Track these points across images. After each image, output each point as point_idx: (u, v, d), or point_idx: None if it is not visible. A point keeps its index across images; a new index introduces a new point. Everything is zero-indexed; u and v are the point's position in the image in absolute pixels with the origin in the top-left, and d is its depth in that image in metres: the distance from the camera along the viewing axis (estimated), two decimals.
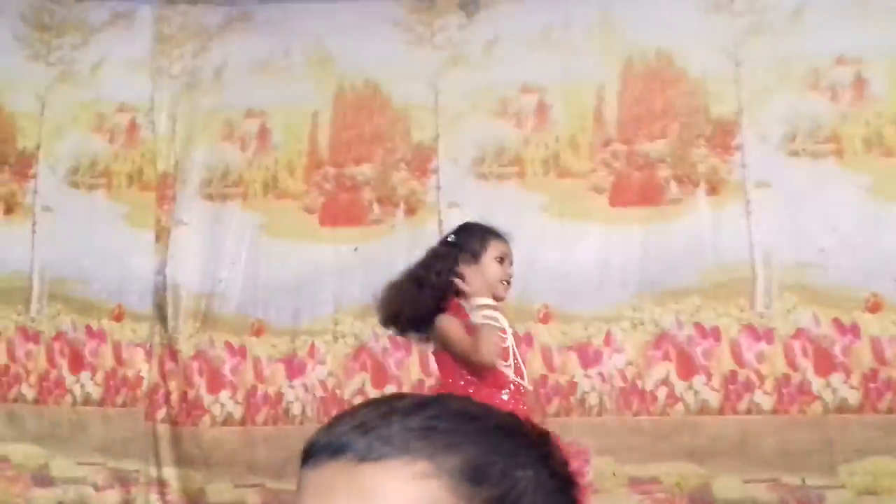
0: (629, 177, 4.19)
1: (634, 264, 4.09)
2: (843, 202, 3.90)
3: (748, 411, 3.89)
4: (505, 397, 2.81)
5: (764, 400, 3.89)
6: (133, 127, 4.82)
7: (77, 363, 4.64)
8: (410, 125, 4.47)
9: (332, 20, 4.61)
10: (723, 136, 4.09)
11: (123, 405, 4.58)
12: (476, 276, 2.87)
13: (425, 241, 4.12)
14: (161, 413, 4.50)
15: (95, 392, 4.61)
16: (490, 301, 2.84)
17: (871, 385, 3.78)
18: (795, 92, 4.02)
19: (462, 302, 2.88)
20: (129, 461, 4.50)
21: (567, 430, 3.85)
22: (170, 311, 4.56)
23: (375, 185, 4.48)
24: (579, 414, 4.04)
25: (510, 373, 2.84)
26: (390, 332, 3.02)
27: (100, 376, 4.62)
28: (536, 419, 2.96)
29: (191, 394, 4.48)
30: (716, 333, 3.98)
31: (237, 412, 4.45)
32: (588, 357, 4.09)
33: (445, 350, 2.81)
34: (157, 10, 4.84)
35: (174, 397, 4.50)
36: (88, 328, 4.66)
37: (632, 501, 3.93)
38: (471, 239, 2.95)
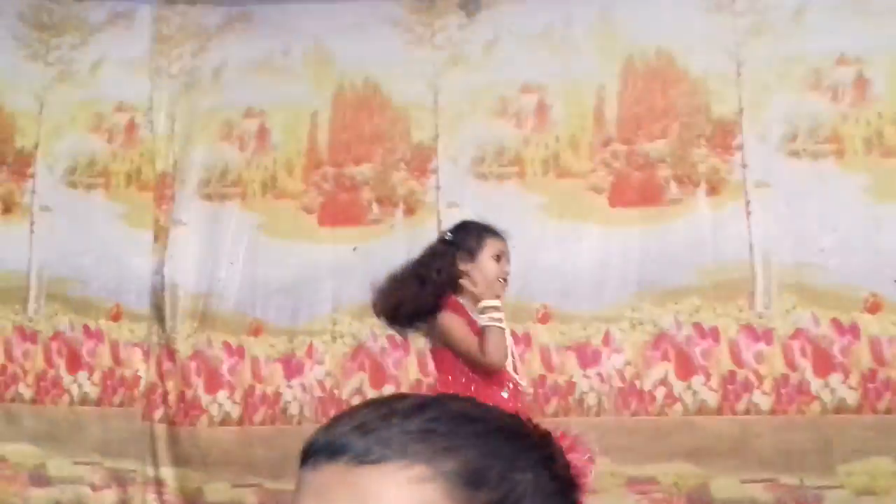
0: (629, 177, 4.19)
1: (634, 264, 4.09)
2: (844, 202, 3.90)
3: (747, 411, 3.89)
4: (505, 395, 2.82)
5: (762, 400, 3.88)
6: (132, 126, 4.81)
7: (75, 363, 4.63)
8: (410, 125, 4.47)
9: (331, 20, 4.60)
10: (723, 136, 4.09)
11: (121, 405, 4.57)
12: (483, 278, 2.88)
13: (424, 241, 4.08)
14: (158, 413, 4.49)
15: (93, 392, 4.60)
16: (497, 303, 2.85)
17: (870, 385, 3.77)
18: (796, 92, 4.02)
19: (462, 299, 2.88)
20: (126, 461, 4.50)
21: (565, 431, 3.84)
22: (168, 311, 4.56)
23: (375, 185, 4.48)
24: (578, 414, 4.04)
25: (511, 371, 2.85)
26: (385, 323, 3.00)
27: (97, 376, 4.61)
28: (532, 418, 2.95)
29: (188, 394, 4.47)
30: (715, 333, 3.97)
31: (235, 412, 4.44)
32: (587, 357, 4.08)
33: (447, 347, 2.81)
34: (156, 10, 4.84)
35: (172, 397, 4.49)
36: (86, 328, 4.65)
37: (630, 501, 3.93)
38: (468, 237, 2.96)
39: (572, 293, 4.12)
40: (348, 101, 4.58)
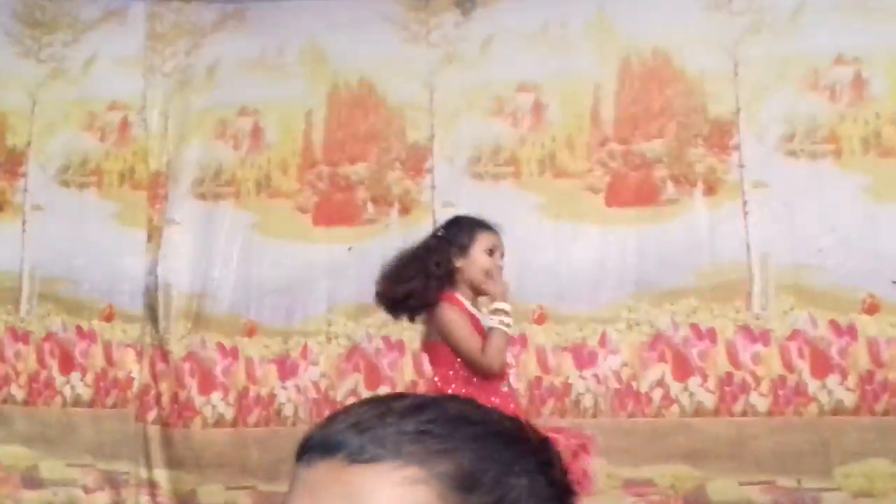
0: (626, 177, 4.18)
1: (630, 265, 4.08)
2: (841, 202, 3.90)
3: (744, 413, 3.88)
4: (505, 388, 2.83)
5: (760, 402, 3.88)
6: (125, 125, 4.79)
7: (67, 364, 4.61)
8: (405, 124, 4.45)
9: (326, 18, 4.58)
10: (720, 135, 4.08)
11: (114, 406, 4.55)
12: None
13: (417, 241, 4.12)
14: (152, 414, 4.47)
15: (86, 393, 4.58)
16: (508, 307, 2.84)
17: (868, 387, 3.77)
18: (794, 91, 4.01)
19: (460, 295, 2.88)
20: (119, 463, 4.48)
21: None
22: (161, 312, 4.54)
23: (370, 185, 4.46)
24: (574, 415, 4.02)
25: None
26: (386, 311, 3.01)
27: (90, 377, 4.59)
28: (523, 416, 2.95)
29: (182, 395, 4.45)
30: (711, 335, 3.97)
31: (229, 413, 4.42)
32: (583, 358, 4.08)
33: (444, 342, 2.81)
34: (150, 8, 4.81)
35: (165, 398, 4.47)
36: (79, 328, 4.63)
37: (627, 503, 3.91)
38: (460, 232, 2.96)
39: (568, 294, 4.11)
40: (343, 100, 4.56)
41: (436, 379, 2.87)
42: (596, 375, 4.05)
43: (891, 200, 3.85)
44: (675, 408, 3.95)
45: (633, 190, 4.17)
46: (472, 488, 0.67)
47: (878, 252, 3.81)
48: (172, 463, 4.41)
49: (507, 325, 2.83)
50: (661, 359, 3.99)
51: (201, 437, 4.41)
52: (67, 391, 4.59)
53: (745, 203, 4.00)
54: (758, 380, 3.89)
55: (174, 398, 4.46)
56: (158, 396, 4.48)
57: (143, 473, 4.43)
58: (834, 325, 3.84)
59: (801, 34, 4.02)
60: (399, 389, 4.14)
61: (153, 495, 4.40)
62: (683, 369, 3.97)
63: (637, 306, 4.04)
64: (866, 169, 3.91)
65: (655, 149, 4.16)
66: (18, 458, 4.57)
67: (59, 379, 4.61)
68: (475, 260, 2.91)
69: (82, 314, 4.64)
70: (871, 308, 3.81)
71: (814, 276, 3.87)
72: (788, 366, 3.87)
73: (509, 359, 2.94)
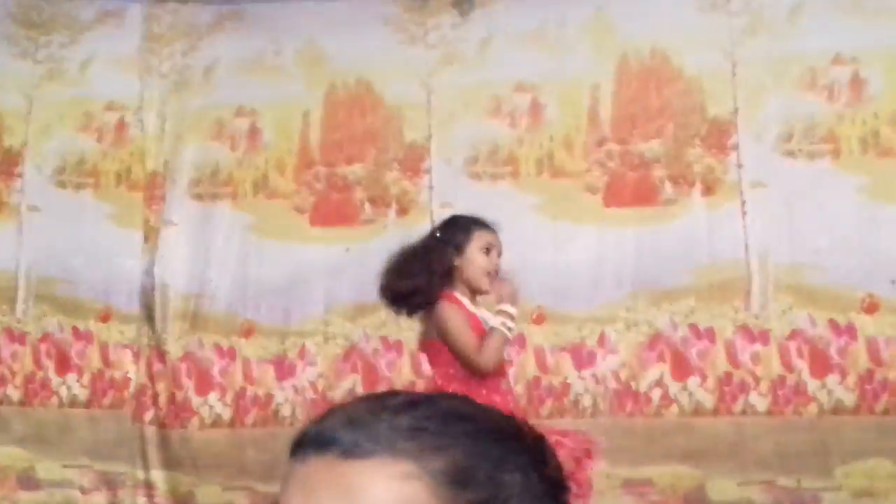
0: (624, 177, 4.18)
1: (629, 265, 4.08)
2: (840, 202, 3.90)
3: (743, 412, 3.89)
4: (505, 386, 2.84)
5: (759, 401, 3.88)
6: (121, 126, 4.78)
7: (64, 364, 4.60)
8: (403, 124, 4.45)
9: (323, 18, 4.58)
10: (718, 135, 4.08)
11: (111, 407, 4.55)
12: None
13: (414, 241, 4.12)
14: (149, 415, 4.47)
15: (82, 394, 4.57)
16: (514, 311, 2.83)
17: (867, 386, 3.77)
18: (792, 91, 4.02)
19: (458, 294, 2.88)
20: (116, 464, 4.47)
21: None
22: (158, 312, 4.54)
23: (367, 185, 4.46)
24: (573, 415, 4.03)
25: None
26: (389, 307, 3.03)
27: (87, 378, 4.58)
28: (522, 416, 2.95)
29: (179, 395, 4.45)
30: (710, 334, 3.97)
31: (226, 414, 4.42)
32: (582, 358, 4.08)
33: (443, 340, 2.81)
34: (147, 9, 4.81)
35: (162, 399, 4.46)
36: (75, 329, 4.62)
37: (626, 503, 3.91)
38: (456, 231, 2.97)
39: (567, 294, 4.11)
40: (340, 101, 4.56)
41: (436, 378, 2.87)
42: (595, 375, 4.05)
43: (889, 200, 3.86)
44: (674, 408, 3.95)
45: (631, 190, 4.17)
46: (465, 484, 0.67)
47: (877, 251, 3.82)
48: (169, 464, 4.41)
49: (509, 329, 2.83)
50: (660, 359, 3.99)
51: (198, 437, 4.41)
52: (64, 392, 4.58)
53: (743, 203, 4.01)
54: (757, 379, 3.89)
55: (171, 399, 4.45)
56: (155, 397, 4.47)
57: (140, 474, 4.42)
58: (833, 324, 3.84)
59: (798, 34, 4.03)
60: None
61: (150, 496, 4.40)
62: (682, 369, 3.97)
63: (635, 306, 4.04)
64: (864, 169, 3.91)
65: (653, 149, 4.17)
66: (15, 459, 4.56)
67: (55, 380, 4.59)
68: (472, 259, 2.91)
69: (79, 315, 4.63)
70: (871, 307, 3.81)
71: (812, 276, 3.87)
72: (788, 365, 3.87)
73: (508, 357, 2.93)
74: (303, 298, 4.42)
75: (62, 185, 4.78)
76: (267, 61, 4.65)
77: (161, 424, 4.44)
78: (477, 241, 2.94)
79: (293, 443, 0.72)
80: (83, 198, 4.75)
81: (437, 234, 3.02)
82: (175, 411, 4.43)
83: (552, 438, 2.58)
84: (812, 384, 3.83)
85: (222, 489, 4.33)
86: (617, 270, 4.09)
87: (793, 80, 4.02)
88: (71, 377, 4.58)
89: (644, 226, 4.09)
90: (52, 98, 4.86)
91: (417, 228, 4.18)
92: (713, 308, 3.96)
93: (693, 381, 3.95)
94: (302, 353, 4.38)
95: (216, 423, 4.41)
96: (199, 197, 4.64)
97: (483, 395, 2.67)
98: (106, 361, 4.57)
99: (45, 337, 4.64)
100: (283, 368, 4.39)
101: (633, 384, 4.00)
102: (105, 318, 4.61)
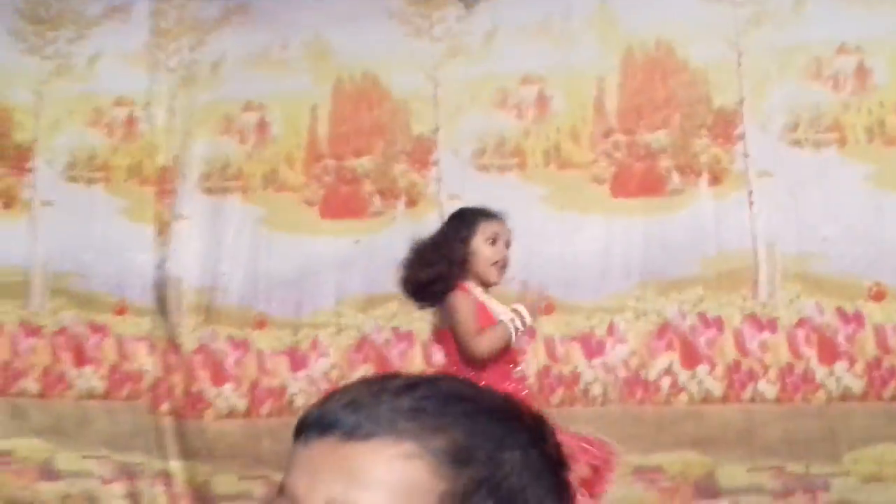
0: (630, 167, 4.19)
1: (637, 255, 4.09)
2: (846, 191, 3.89)
3: (752, 400, 3.90)
4: (517, 375, 2.86)
5: (768, 389, 3.89)
6: (131, 121, 4.80)
7: (80, 357, 4.64)
8: (410, 117, 4.46)
9: (329, 12, 4.58)
10: (724, 125, 4.08)
11: (127, 398, 4.58)
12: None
13: (426, 233, 4.14)
14: (165, 406, 4.50)
15: (99, 386, 4.61)
16: (529, 319, 2.85)
17: (875, 373, 3.78)
18: (797, 81, 4.00)
19: (470, 285, 2.91)
20: (133, 454, 4.51)
21: (571, 421, 3.86)
22: (172, 305, 4.56)
23: (376, 178, 4.47)
24: (583, 404, 4.05)
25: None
26: (410, 298, 3.07)
27: (103, 370, 4.62)
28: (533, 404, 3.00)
29: (194, 387, 4.48)
30: (719, 323, 3.98)
31: (241, 405, 4.45)
32: (591, 347, 4.09)
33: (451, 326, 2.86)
34: (154, 4, 4.81)
35: (178, 391, 4.50)
36: (91, 322, 4.66)
37: (636, 490, 3.95)
38: (461, 225, 3.00)
39: (576, 284, 4.12)
40: (348, 94, 4.57)
41: (448, 367, 2.91)
42: (604, 364, 4.06)
43: (895, 189, 3.88)
44: (683, 396, 3.97)
45: (638, 180, 4.17)
46: (466, 463, 0.69)
47: (884, 240, 3.82)
48: (186, 454, 4.44)
49: (516, 329, 2.85)
50: (669, 347, 4.01)
51: (214, 428, 4.44)
52: (81, 384, 4.62)
53: (750, 192, 4.01)
54: (765, 367, 3.90)
55: (187, 390, 4.48)
56: (171, 389, 4.51)
57: (158, 464, 4.46)
58: (841, 312, 3.84)
59: (803, 23, 4.01)
60: None
61: (168, 486, 4.44)
62: (691, 357, 3.99)
63: (644, 296, 4.06)
64: (870, 157, 3.91)
65: (660, 139, 4.17)
66: (34, 451, 4.61)
67: (72, 372, 4.63)
68: (477, 251, 2.93)
69: (94, 308, 4.66)
70: (878, 295, 3.82)
71: (820, 264, 3.87)
72: (796, 353, 3.88)
73: (521, 346, 2.97)
74: (314, 290, 4.44)
75: (73, 179, 4.81)
76: (274, 55, 4.66)
77: (177, 415, 4.48)
78: (482, 232, 2.95)
79: (296, 426, 0.74)
80: (95, 192, 4.77)
81: (445, 229, 3.05)
82: (191, 402, 4.47)
83: (575, 445, 2.62)
84: (820, 371, 3.84)
85: (238, 478, 4.38)
86: (625, 260, 4.09)
87: (798, 70, 4.01)
88: (88, 370, 4.62)
89: (651, 216, 4.09)
90: (60, 94, 4.88)
91: (426, 220, 4.24)
92: (721, 297, 3.97)
93: (702, 370, 3.97)
94: (314, 345, 4.41)
95: (231, 413, 4.45)
96: (209, 191, 4.66)
97: (496, 383, 2.70)
98: (122, 354, 4.61)
99: (62, 331, 4.68)
100: (297, 360, 4.42)
101: (642, 373, 4.02)
102: (120, 311, 4.64)
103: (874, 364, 3.79)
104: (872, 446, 3.74)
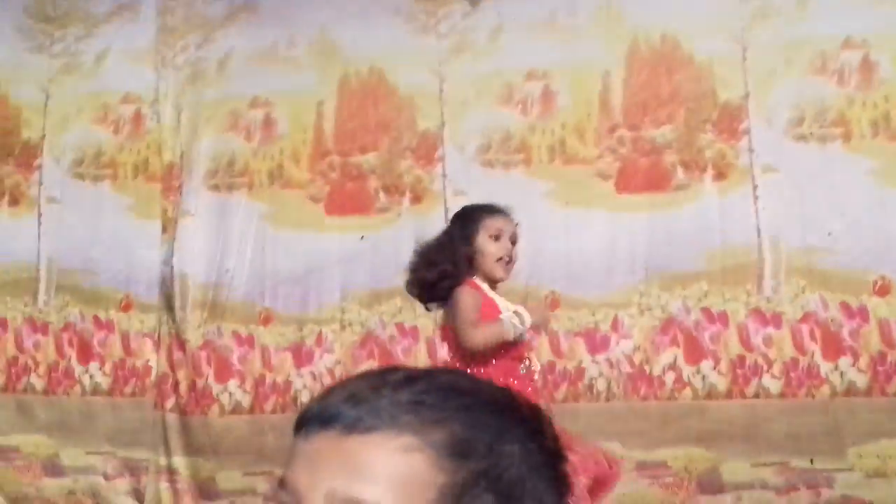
0: (636, 163, 4.18)
1: (641, 250, 4.08)
2: (851, 186, 3.88)
3: (756, 395, 3.89)
4: (523, 372, 2.86)
5: (772, 384, 3.88)
6: (138, 118, 4.82)
7: (86, 353, 4.67)
8: (416, 113, 4.46)
9: (335, 9, 4.59)
10: (730, 120, 4.07)
11: (132, 395, 4.60)
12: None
13: (431, 229, 4.13)
14: (170, 402, 4.52)
15: (104, 382, 4.64)
16: (528, 319, 2.85)
17: (880, 368, 3.77)
18: (802, 76, 3.99)
19: (478, 280, 2.91)
20: (138, 450, 4.54)
21: (575, 416, 3.86)
22: (177, 302, 4.58)
23: (381, 174, 4.48)
24: (587, 400, 4.05)
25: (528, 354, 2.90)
26: (418, 298, 3.08)
27: (108, 366, 4.64)
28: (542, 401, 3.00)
29: (199, 383, 4.50)
30: (723, 318, 3.97)
31: (246, 401, 4.46)
32: (595, 343, 4.09)
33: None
34: (161, 2, 4.84)
35: (183, 387, 4.51)
36: (96, 319, 4.69)
37: (640, 486, 3.94)
38: (464, 223, 3.01)
39: (580, 279, 4.12)
40: (354, 90, 4.57)
41: (453, 362, 2.91)
42: (608, 360, 4.06)
43: None
44: (687, 391, 3.96)
45: (643, 176, 4.17)
46: (466, 455, 0.69)
47: (889, 234, 3.80)
48: (191, 450, 4.46)
49: (514, 327, 2.83)
50: (674, 342, 4.00)
51: (219, 424, 4.46)
52: (86, 380, 4.65)
53: (755, 187, 4.00)
54: (770, 362, 3.89)
55: (192, 386, 4.50)
56: (176, 385, 4.52)
57: (163, 460, 4.48)
58: (845, 306, 3.83)
59: (808, 18, 3.99)
60: None
61: (172, 482, 4.45)
62: (695, 353, 3.98)
63: (649, 291, 4.05)
64: (875, 152, 3.89)
65: (665, 135, 4.16)
66: (39, 447, 4.63)
67: (78, 368, 4.66)
68: (481, 248, 2.94)
69: (100, 304, 4.69)
70: (882, 290, 3.80)
71: (824, 259, 3.86)
72: (800, 348, 3.87)
73: (527, 341, 2.97)
74: (319, 286, 4.45)
75: (80, 176, 4.84)
76: (280, 52, 4.67)
77: (182, 411, 4.49)
78: (485, 229, 2.96)
79: (296, 420, 0.74)
80: (101, 189, 4.80)
81: (449, 229, 3.06)
82: (196, 398, 4.49)
83: (579, 457, 2.62)
84: (824, 366, 3.83)
85: (243, 474, 4.39)
86: (630, 256, 4.09)
87: (803, 65, 3.99)
88: (93, 366, 4.65)
89: (656, 211, 4.09)
90: (68, 91, 4.91)
91: (431, 216, 4.25)
92: (726, 292, 3.96)
93: (706, 365, 3.96)
94: (319, 341, 4.42)
95: (236, 409, 4.46)
96: (215, 187, 4.67)
97: (501, 379, 2.71)
98: (127, 350, 4.63)
99: (67, 326, 4.70)
100: (301, 355, 4.43)
101: (646, 368, 4.02)
102: (126, 307, 4.66)
103: (879, 359, 3.78)
104: (876, 441, 3.73)
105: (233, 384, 4.48)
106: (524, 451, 0.72)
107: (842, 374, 3.81)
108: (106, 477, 4.55)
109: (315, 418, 0.72)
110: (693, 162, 4.10)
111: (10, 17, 4.98)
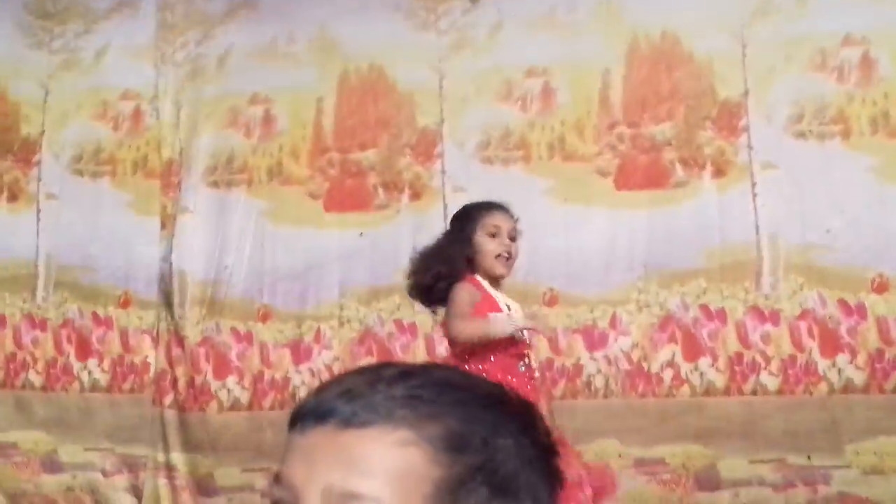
0: (635, 160, 4.18)
1: (640, 247, 4.08)
2: (850, 183, 3.88)
3: (754, 392, 3.89)
4: (522, 369, 2.86)
5: (770, 381, 3.88)
6: (137, 114, 4.82)
7: (84, 350, 4.67)
8: (415, 110, 4.46)
9: (335, 5, 4.60)
10: (729, 117, 4.07)
11: (131, 391, 4.60)
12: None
13: (430, 225, 4.16)
14: (168, 399, 4.52)
15: (103, 378, 4.64)
16: (519, 321, 2.84)
17: (878, 365, 3.77)
18: (802, 73, 3.99)
19: (480, 278, 2.92)
20: (137, 447, 4.54)
21: (573, 413, 3.87)
22: (176, 298, 4.58)
23: (380, 171, 4.48)
24: (585, 396, 4.05)
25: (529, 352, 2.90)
26: (420, 301, 3.09)
27: (107, 363, 4.64)
28: (544, 400, 3.00)
29: (198, 379, 4.50)
30: (721, 315, 3.97)
31: (244, 397, 4.47)
32: (594, 340, 4.09)
33: None
34: None
35: (181, 383, 4.51)
36: (95, 315, 4.69)
37: (638, 482, 3.94)
38: (462, 223, 3.02)
39: (579, 276, 4.12)
40: (353, 87, 4.57)
41: (451, 358, 2.92)
42: (607, 356, 4.06)
43: None
44: (685, 388, 3.96)
45: (642, 173, 4.17)
46: (461, 449, 0.70)
47: (887, 231, 3.80)
48: (189, 446, 4.46)
49: (505, 327, 2.81)
50: (672, 339, 4.00)
51: (217, 420, 4.46)
52: (85, 377, 4.65)
53: (754, 185, 3.99)
54: (768, 359, 3.89)
55: (190, 383, 4.50)
56: (175, 381, 4.52)
57: (161, 457, 4.48)
58: (843, 304, 3.83)
59: (808, 15, 3.99)
60: None
61: (171, 478, 4.45)
62: (694, 350, 3.98)
63: (647, 288, 4.05)
64: (874, 149, 3.89)
65: (664, 131, 4.16)
66: (38, 443, 4.63)
67: (76, 365, 4.66)
68: (479, 246, 2.95)
69: (98, 301, 4.69)
70: (881, 287, 3.80)
71: (823, 256, 3.86)
72: (798, 345, 3.87)
73: (526, 339, 2.96)
74: (318, 283, 4.46)
75: (79, 173, 4.84)
76: (280, 49, 4.67)
77: (180, 408, 4.49)
78: (482, 227, 2.97)
79: (291, 416, 0.74)
80: (101, 186, 4.80)
81: (447, 231, 3.07)
82: (194, 395, 4.49)
83: (574, 474, 2.62)
84: (822, 363, 3.82)
85: (241, 470, 4.38)
86: (628, 253, 4.09)
87: (803, 62, 4.00)
88: (92, 362, 4.65)
89: (655, 208, 4.08)
90: (68, 87, 4.91)
91: (430, 213, 4.26)
92: (724, 289, 3.96)
93: (704, 362, 3.95)
94: (318, 337, 4.42)
95: (234, 406, 4.46)
96: (214, 184, 4.67)
97: (499, 376, 2.71)
98: (126, 347, 4.63)
99: (66, 323, 4.71)
100: (300, 352, 4.43)
101: (644, 365, 4.02)
102: (124, 304, 4.66)
103: (876, 356, 3.78)
104: (874, 438, 3.73)
105: (231, 381, 4.48)
106: (518, 445, 0.73)
107: (839, 371, 3.81)
108: (104, 473, 4.55)
109: (311, 413, 0.72)
110: (692, 159, 4.10)
111: (10, 14, 4.98)
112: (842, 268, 3.84)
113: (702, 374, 3.96)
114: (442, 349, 3.94)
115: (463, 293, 2.86)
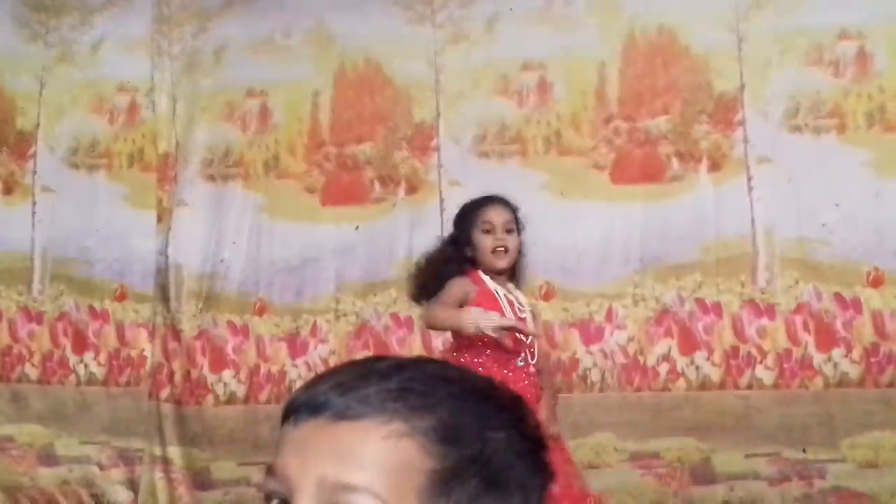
0: (631, 154, 4.18)
1: (636, 241, 4.08)
2: (846, 177, 3.88)
3: (749, 386, 3.90)
4: (520, 364, 2.87)
5: (765, 375, 3.89)
6: (133, 107, 4.81)
7: (80, 343, 4.66)
8: (411, 104, 4.46)
9: None
10: (725, 112, 4.07)
11: (127, 385, 4.61)
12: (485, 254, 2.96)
13: (426, 219, 4.18)
14: (165, 392, 4.52)
15: (99, 372, 4.64)
16: (507, 321, 2.82)
17: (873, 359, 3.78)
18: (798, 67, 3.99)
19: (481, 273, 2.93)
20: (133, 440, 4.54)
21: (569, 407, 3.86)
22: (172, 292, 4.57)
23: (377, 164, 4.48)
24: (581, 390, 4.06)
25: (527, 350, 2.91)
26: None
27: (103, 356, 4.64)
28: (545, 396, 3.00)
29: (194, 373, 4.50)
30: (717, 309, 3.98)
31: (240, 391, 4.47)
32: (590, 333, 4.10)
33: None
34: None
35: (178, 377, 4.52)
36: (91, 308, 4.68)
37: (633, 476, 3.95)
38: (460, 223, 3.05)
39: (575, 270, 4.12)
40: (349, 81, 4.57)
41: (448, 351, 2.93)
42: (603, 350, 4.07)
43: (895, 175, 3.85)
44: (681, 382, 3.97)
45: (638, 167, 4.17)
46: (454, 441, 0.70)
47: (883, 226, 3.81)
48: (185, 440, 4.46)
49: (473, 321, 2.75)
50: (668, 333, 4.01)
51: (214, 414, 4.46)
52: (81, 370, 4.65)
53: (749, 179, 4.00)
54: (763, 353, 3.90)
55: (186, 376, 4.50)
56: (171, 375, 4.52)
57: (157, 450, 4.48)
58: (839, 298, 3.83)
59: (804, 9, 3.98)
60: None
61: (167, 472, 4.45)
62: (689, 343, 3.99)
63: (643, 282, 4.05)
64: (870, 144, 3.89)
65: (660, 126, 4.16)
66: (34, 436, 4.64)
67: (72, 358, 4.66)
68: (475, 244, 2.96)
69: (94, 294, 4.69)
70: (876, 281, 3.81)
71: (818, 251, 3.87)
72: (794, 339, 3.88)
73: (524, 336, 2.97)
74: (314, 277, 4.46)
75: (75, 166, 4.83)
76: (276, 42, 4.66)
77: (177, 401, 4.49)
78: (477, 225, 2.98)
79: (284, 409, 0.74)
80: (96, 179, 4.80)
81: (451, 233, 3.09)
82: (190, 388, 4.49)
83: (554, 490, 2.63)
84: (818, 357, 3.83)
85: (237, 464, 4.39)
86: (624, 247, 4.09)
87: (799, 56, 4.00)
88: (88, 356, 4.65)
89: (651, 202, 4.08)
90: (63, 80, 4.90)
91: (426, 207, 4.26)
92: (720, 283, 3.96)
93: (700, 356, 3.96)
94: (314, 331, 4.42)
95: (231, 399, 4.47)
96: (210, 178, 4.67)
97: (495, 371, 2.72)
98: (122, 340, 4.63)
99: (62, 316, 4.70)
100: (296, 346, 4.43)
101: (640, 359, 4.02)
102: (120, 297, 4.66)
103: (872, 350, 3.79)
104: (869, 432, 3.74)
105: (227, 374, 4.48)
106: (509, 438, 0.73)
107: (835, 365, 3.82)
108: (100, 466, 4.56)
109: (304, 406, 0.72)
110: (688, 153, 4.10)
111: (6, 6, 4.96)
112: (837, 262, 3.85)
113: (697, 367, 3.97)
114: (438, 343, 3.95)
115: (454, 284, 2.87)
